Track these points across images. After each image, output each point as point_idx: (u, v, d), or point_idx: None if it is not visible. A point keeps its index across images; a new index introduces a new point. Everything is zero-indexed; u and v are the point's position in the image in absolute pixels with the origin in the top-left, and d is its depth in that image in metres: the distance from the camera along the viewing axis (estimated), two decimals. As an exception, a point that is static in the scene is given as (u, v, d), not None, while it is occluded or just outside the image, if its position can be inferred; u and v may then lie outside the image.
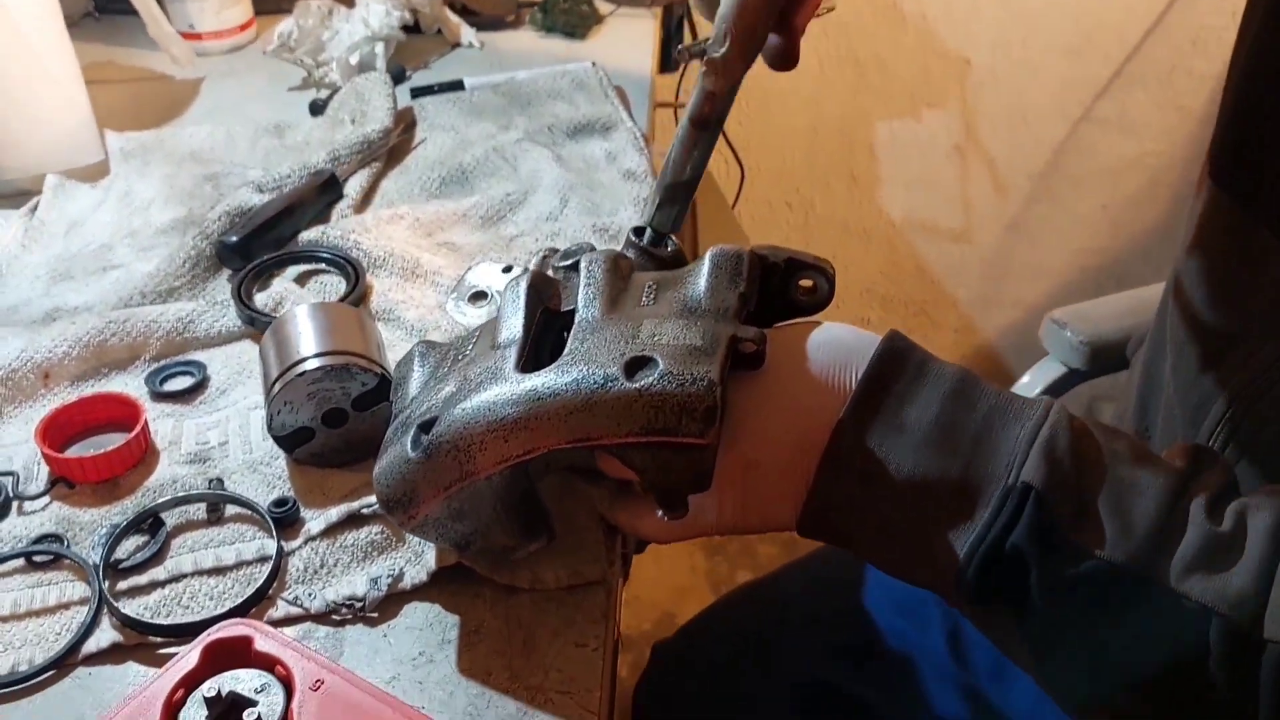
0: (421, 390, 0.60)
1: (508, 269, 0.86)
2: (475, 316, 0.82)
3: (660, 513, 0.54)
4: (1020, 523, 0.50)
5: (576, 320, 0.56)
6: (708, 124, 0.62)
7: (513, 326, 0.57)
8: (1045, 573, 0.50)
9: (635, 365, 0.52)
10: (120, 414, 0.72)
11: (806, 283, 0.60)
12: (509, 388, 0.53)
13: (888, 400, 0.53)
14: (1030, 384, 1.07)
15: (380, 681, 0.57)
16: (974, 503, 0.51)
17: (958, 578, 0.52)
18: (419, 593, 0.62)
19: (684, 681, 0.94)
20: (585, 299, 0.57)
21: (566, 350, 0.54)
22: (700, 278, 0.57)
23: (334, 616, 0.61)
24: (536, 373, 0.53)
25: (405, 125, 1.05)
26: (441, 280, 0.87)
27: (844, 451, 0.53)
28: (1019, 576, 0.51)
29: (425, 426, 0.55)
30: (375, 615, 0.61)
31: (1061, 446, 0.51)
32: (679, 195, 0.64)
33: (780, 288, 0.60)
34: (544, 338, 0.58)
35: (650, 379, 0.51)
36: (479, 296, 0.84)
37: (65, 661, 0.59)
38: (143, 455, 0.70)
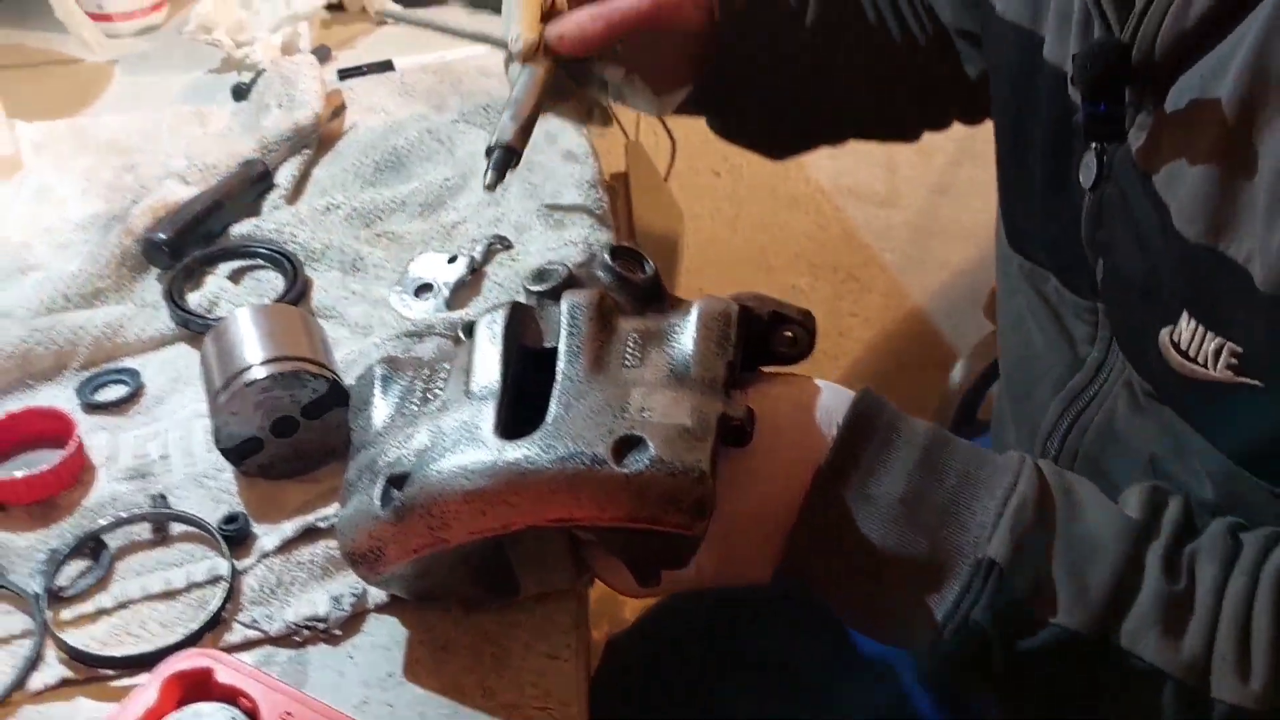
0: (388, 428, 0.56)
1: (453, 259, 0.83)
2: (421, 310, 0.80)
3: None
4: (981, 600, 0.51)
5: (558, 377, 0.53)
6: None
7: (489, 373, 0.54)
8: (1004, 645, 0.52)
9: (624, 446, 0.50)
10: (51, 429, 0.68)
11: (789, 334, 0.60)
12: (487, 456, 0.50)
13: (855, 472, 0.54)
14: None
15: (349, 707, 0.55)
16: (943, 577, 0.52)
17: (932, 648, 0.53)
18: (382, 607, 0.60)
19: (642, 677, 0.92)
20: (568, 353, 0.54)
21: (550, 416, 0.51)
22: (687, 337, 0.55)
23: (295, 638, 0.58)
24: (518, 442, 0.50)
25: (335, 109, 1.01)
26: (384, 273, 0.84)
27: (813, 524, 0.54)
28: (983, 648, 0.52)
29: (396, 481, 0.52)
30: (339, 633, 0.59)
31: (1026, 518, 0.52)
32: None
33: (761, 337, 0.59)
34: (520, 374, 0.55)
35: (640, 465, 0.49)
36: (424, 289, 0.81)
37: (9, 700, 0.56)
38: (79, 473, 0.67)
